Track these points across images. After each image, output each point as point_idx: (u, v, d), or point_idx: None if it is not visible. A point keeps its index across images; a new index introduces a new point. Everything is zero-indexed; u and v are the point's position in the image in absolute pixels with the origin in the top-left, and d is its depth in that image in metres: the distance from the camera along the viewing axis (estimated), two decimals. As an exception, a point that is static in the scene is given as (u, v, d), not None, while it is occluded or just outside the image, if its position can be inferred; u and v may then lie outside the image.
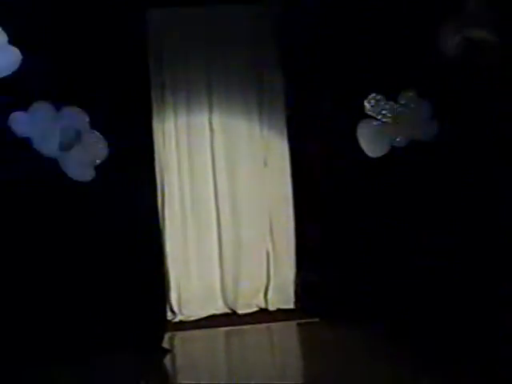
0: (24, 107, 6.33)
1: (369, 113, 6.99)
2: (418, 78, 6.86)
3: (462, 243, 6.80)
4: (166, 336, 6.84)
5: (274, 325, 7.45)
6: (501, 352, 5.61)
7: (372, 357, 6.03)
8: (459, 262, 6.77)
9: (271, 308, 7.79)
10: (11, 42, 5.96)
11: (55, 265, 6.43)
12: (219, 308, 7.78)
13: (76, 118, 6.49)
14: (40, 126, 6.37)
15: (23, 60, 5.97)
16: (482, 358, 5.60)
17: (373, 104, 6.96)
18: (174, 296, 7.61)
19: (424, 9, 6.74)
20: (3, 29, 5.94)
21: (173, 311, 7.61)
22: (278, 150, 7.89)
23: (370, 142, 7.00)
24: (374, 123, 7.00)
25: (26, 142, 6.31)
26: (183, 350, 6.99)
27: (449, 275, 6.77)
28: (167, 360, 6.49)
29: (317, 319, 7.33)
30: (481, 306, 6.37)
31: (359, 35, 6.98)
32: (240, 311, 7.74)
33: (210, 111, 7.75)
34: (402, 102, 6.99)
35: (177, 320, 7.56)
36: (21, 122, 6.31)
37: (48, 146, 6.40)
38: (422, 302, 6.70)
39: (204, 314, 7.66)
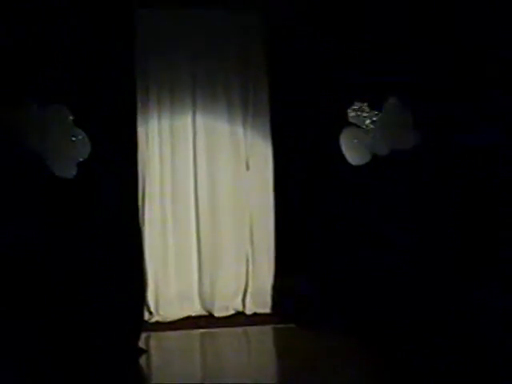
0: (10, 103, 6.32)
1: (352, 121, 7.04)
2: (401, 86, 6.91)
3: (443, 249, 6.85)
4: (142, 336, 6.82)
5: (249, 328, 7.45)
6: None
7: (343, 364, 6.05)
8: (442, 270, 6.79)
9: (248, 312, 7.81)
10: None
11: (33, 260, 6.39)
12: (196, 310, 7.79)
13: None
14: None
15: (10, 55, 5.97)
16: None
17: (356, 112, 7.01)
18: (151, 296, 7.60)
19: (408, 16, 6.82)
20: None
21: (150, 311, 7.60)
22: (260, 154, 7.93)
23: (352, 150, 7.05)
24: (357, 131, 7.05)
25: (9, 137, 6.31)
26: (158, 350, 6.97)
27: (431, 285, 6.78)
28: (142, 360, 6.48)
29: (293, 325, 7.33)
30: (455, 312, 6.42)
31: (345, 43, 7.03)
32: (217, 314, 7.74)
33: (194, 113, 7.78)
34: (385, 110, 7.03)
35: (153, 320, 7.55)
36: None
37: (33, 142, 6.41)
38: (399, 312, 6.70)
39: (181, 316, 7.66)
